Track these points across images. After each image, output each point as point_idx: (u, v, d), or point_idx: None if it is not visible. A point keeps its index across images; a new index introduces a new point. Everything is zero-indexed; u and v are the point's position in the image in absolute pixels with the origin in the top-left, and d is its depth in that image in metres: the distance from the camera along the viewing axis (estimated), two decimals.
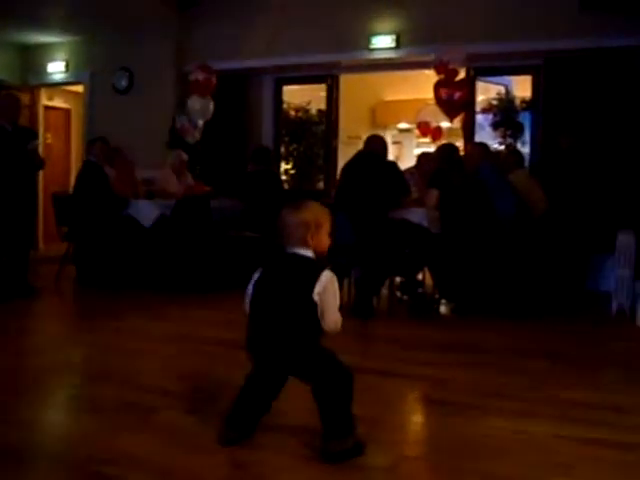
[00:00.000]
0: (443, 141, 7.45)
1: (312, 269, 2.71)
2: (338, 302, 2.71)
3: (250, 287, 2.85)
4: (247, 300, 2.84)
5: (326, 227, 2.81)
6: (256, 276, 2.85)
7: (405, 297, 6.42)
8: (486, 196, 5.63)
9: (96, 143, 6.92)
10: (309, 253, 2.76)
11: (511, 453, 2.81)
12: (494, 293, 5.62)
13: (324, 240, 2.80)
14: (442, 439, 3.00)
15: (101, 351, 4.43)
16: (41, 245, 9.80)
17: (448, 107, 7.17)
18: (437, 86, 7.17)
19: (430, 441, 3.12)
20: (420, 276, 6.48)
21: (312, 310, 2.66)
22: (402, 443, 2.97)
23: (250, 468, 2.64)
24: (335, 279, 2.71)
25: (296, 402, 2.94)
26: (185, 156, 7.45)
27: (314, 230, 2.76)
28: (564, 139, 6.70)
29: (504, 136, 8.04)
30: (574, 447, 2.88)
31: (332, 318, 2.68)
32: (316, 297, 2.64)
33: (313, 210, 2.81)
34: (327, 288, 2.66)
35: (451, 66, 7.08)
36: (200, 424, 3.07)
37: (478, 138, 8.10)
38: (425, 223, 5.68)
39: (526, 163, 7.26)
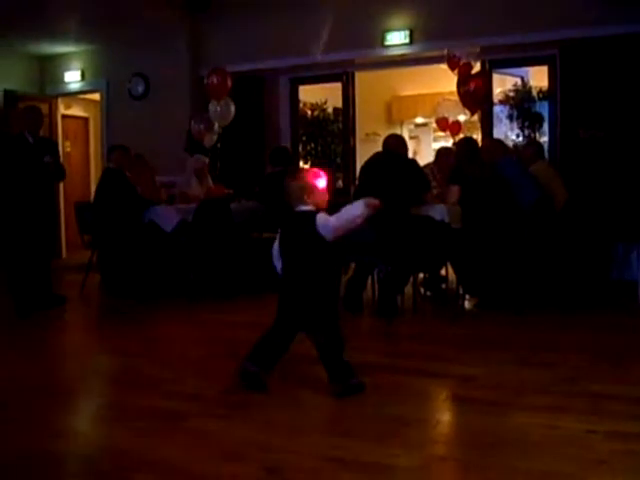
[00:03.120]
0: (461, 135, 7.44)
1: (310, 216, 3.44)
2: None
3: (276, 245, 3.62)
4: (275, 254, 3.62)
5: (320, 186, 3.53)
6: (278, 236, 3.63)
7: (429, 293, 6.43)
8: (507, 189, 5.61)
9: (116, 150, 6.96)
10: (309, 207, 3.50)
11: (543, 449, 2.79)
12: (518, 287, 5.59)
13: (320, 196, 3.53)
14: (472, 437, 2.99)
15: (130, 358, 4.47)
16: (64, 254, 9.90)
17: (470, 101, 7.13)
18: (459, 82, 7.14)
19: (460, 439, 3.10)
20: (443, 271, 6.47)
21: (322, 244, 3.41)
22: (432, 442, 2.97)
23: (283, 473, 2.64)
24: (326, 215, 3.45)
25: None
26: (206, 159, 7.49)
27: (309, 190, 3.49)
28: (583, 128, 6.66)
29: (522, 127, 8.01)
30: (607, 442, 2.85)
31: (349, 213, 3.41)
32: (321, 230, 3.38)
33: (307, 175, 3.61)
34: (325, 219, 3.41)
35: (464, 61, 7.06)
36: (232, 429, 3.09)
37: (496, 130, 8.09)
38: (447, 219, 5.66)
39: (545, 154, 7.22)
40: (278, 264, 3.62)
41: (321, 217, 3.42)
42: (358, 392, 3.44)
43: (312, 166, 9.44)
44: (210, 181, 7.55)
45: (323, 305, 3.51)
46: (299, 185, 3.53)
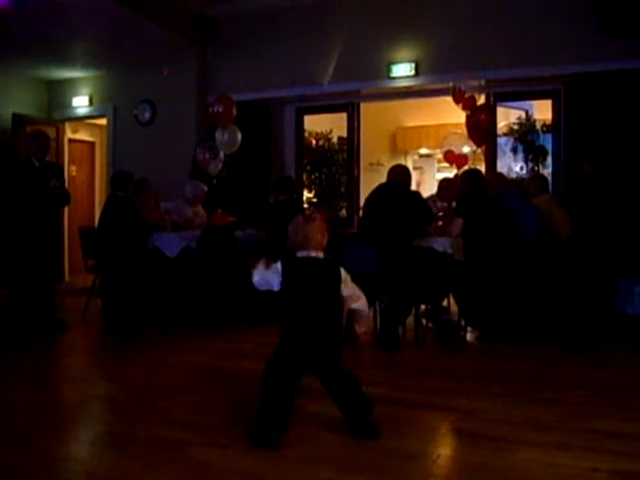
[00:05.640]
0: (466, 167, 7.47)
1: (335, 269, 3.39)
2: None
3: (275, 281, 3.38)
4: (263, 285, 3.46)
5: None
6: (278, 269, 3.36)
7: (430, 324, 6.41)
8: (511, 222, 5.62)
9: (121, 176, 6.97)
10: (321, 254, 3.39)
11: None
12: (520, 319, 5.57)
13: (326, 242, 3.44)
14: (472, 473, 2.97)
15: (130, 386, 4.45)
16: (67, 277, 9.91)
17: (477, 134, 7.18)
18: (468, 116, 7.21)
19: (460, 475, 3.06)
20: (445, 302, 6.46)
21: (338, 299, 3.37)
22: (432, 477, 2.94)
23: None
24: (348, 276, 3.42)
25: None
26: (205, 187, 7.49)
27: (325, 234, 3.41)
28: (587, 162, 6.68)
29: (526, 160, 8.05)
30: None
31: (362, 300, 3.45)
32: (343, 291, 3.36)
33: (323, 219, 3.48)
34: (347, 280, 3.39)
35: (468, 94, 7.12)
36: (232, 459, 3.07)
37: (500, 163, 8.12)
38: (449, 251, 5.67)
39: (549, 186, 7.24)
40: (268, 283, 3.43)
41: (344, 272, 3.39)
42: (375, 434, 3.30)
43: (317, 195, 9.51)
44: (201, 209, 7.54)
45: (338, 342, 3.39)
46: (321, 228, 3.40)
